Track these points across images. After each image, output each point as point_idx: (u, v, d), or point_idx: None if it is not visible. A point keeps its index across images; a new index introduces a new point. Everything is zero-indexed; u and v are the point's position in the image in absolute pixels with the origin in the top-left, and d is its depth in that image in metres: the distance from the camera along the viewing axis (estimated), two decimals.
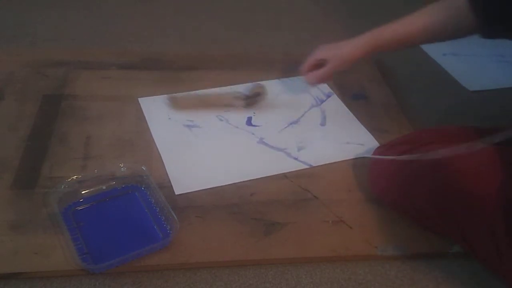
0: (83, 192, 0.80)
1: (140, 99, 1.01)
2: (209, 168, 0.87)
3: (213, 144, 0.93)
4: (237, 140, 0.95)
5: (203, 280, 0.71)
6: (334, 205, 0.83)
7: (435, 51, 1.32)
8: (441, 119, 1.08)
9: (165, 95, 1.02)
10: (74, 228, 0.74)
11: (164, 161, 0.87)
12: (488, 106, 1.14)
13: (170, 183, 0.84)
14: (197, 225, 0.77)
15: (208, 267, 0.73)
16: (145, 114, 0.97)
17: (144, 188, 0.82)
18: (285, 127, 0.99)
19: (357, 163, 0.92)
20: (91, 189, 0.80)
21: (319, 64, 0.95)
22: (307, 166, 0.90)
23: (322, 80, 0.99)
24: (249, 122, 0.99)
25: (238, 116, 1.00)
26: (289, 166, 0.90)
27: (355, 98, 1.10)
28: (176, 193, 0.81)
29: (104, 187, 0.81)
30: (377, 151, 0.85)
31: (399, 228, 0.80)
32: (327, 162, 0.92)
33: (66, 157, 0.87)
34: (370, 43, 0.90)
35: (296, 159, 0.92)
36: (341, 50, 0.93)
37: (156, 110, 0.99)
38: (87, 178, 0.81)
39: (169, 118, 0.97)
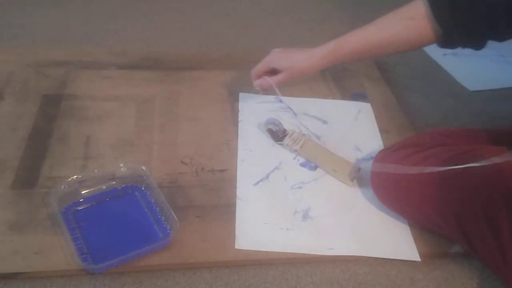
0: (83, 192, 0.79)
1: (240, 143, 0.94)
2: (281, 226, 0.79)
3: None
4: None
5: (203, 280, 0.71)
6: None
7: (435, 51, 1.32)
8: (441, 119, 1.08)
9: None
10: (74, 228, 0.74)
11: (237, 201, 0.82)
12: (488, 106, 1.14)
13: (170, 183, 0.84)
14: (197, 225, 0.77)
15: (208, 267, 0.73)
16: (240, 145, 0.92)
17: (144, 188, 0.82)
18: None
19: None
20: (91, 189, 0.80)
21: (270, 71, 0.93)
22: None
23: (271, 88, 0.94)
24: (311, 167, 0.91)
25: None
26: None
27: (355, 98, 1.10)
28: (236, 247, 0.75)
29: (104, 187, 0.81)
30: (380, 154, 0.84)
31: None
32: None
33: (66, 157, 0.87)
34: (328, 57, 0.87)
35: None
36: (298, 63, 0.89)
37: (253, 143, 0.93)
38: (87, 178, 0.80)
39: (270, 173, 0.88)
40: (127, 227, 0.76)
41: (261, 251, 0.74)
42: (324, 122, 1.00)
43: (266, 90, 0.96)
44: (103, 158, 0.87)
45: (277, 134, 0.93)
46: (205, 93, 1.06)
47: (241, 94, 1.06)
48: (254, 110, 1.00)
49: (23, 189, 0.80)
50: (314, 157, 0.91)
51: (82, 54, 1.14)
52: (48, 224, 0.74)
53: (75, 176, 0.80)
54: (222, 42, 1.30)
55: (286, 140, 0.92)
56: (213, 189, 0.84)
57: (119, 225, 0.76)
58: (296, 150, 0.92)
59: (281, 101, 1.04)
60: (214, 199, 0.82)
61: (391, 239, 0.79)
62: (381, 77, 1.18)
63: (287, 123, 0.97)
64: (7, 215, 0.75)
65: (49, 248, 0.71)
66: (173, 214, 0.74)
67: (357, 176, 0.87)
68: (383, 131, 1.00)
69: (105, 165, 0.85)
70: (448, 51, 1.30)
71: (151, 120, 0.97)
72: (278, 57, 0.92)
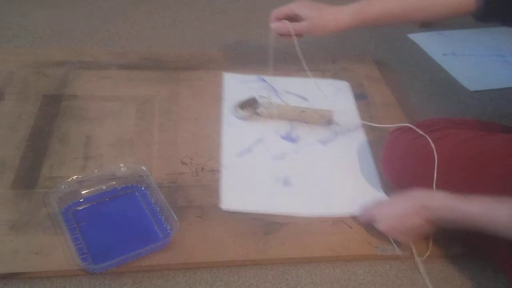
0: (83, 192, 0.80)
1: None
2: (264, 191, 0.85)
3: (277, 165, 0.90)
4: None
5: (203, 280, 0.71)
6: None
7: (435, 51, 1.32)
8: None
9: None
10: (74, 228, 0.74)
11: (222, 169, 0.87)
12: (488, 106, 1.14)
13: (170, 183, 0.84)
14: (197, 225, 0.77)
15: (208, 267, 0.73)
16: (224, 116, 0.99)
17: (144, 188, 0.82)
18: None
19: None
20: (91, 189, 0.80)
21: (291, 17, 0.87)
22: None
23: (290, 34, 0.87)
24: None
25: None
26: None
27: (355, 98, 1.10)
28: (223, 208, 0.80)
29: (104, 187, 0.81)
30: (392, 134, 0.83)
31: None
32: None
33: (66, 157, 0.87)
34: (357, 17, 0.84)
35: None
36: (324, 17, 0.85)
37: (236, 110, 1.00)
38: (87, 178, 0.81)
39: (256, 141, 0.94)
40: (127, 227, 0.76)
41: (260, 251, 0.75)
42: (305, 99, 1.05)
43: (282, 35, 0.90)
44: (103, 158, 0.87)
45: (250, 110, 0.98)
46: (205, 93, 1.06)
47: (225, 74, 1.10)
48: (238, 89, 1.05)
49: (23, 189, 0.80)
50: (292, 115, 0.98)
51: (82, 54, 1.14)
52: (48, 224, 0.74)
53: (75, 176, 0.80)
54: (222, 42, 1.30)
55: (260, 109, 0.97)
56: (213, 189, 0.84)
57: (119, 225, 0.76)
58: (274, 114, 0.97)
59: (264, 80, 1.08)
60: (214, 199, 0.82)
61: (363, 195, 0.85)
62: (381, 77, 1.18)
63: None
64: (7, 215, 0.75)
65: (49, 248, 0.71)
66: (173, 214, 0.74)
67: (332, 118, 0.98)
68: (383, 130, 1.00)
69: (105, 165, 0.85)
70: (448, 51, 1.31)
71: (151, 120, 0.97)
72: (303, 5, 0.88)
